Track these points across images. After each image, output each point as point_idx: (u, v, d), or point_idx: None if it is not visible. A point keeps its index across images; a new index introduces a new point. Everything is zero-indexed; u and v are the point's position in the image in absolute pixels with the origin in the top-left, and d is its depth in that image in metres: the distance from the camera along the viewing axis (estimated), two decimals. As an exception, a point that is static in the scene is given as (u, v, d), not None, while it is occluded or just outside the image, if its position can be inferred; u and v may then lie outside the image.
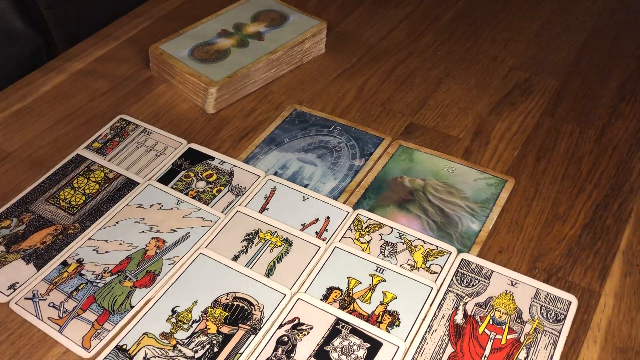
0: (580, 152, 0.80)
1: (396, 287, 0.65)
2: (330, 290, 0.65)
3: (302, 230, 0.71)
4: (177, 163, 0.80)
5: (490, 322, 0.62)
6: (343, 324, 0.61)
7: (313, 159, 0.80)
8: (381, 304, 0.63)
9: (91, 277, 0.67)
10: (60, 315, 0.64)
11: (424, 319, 0.62)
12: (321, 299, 0.64)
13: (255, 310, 0.63)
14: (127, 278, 0.67)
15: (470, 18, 1.05)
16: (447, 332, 0.61)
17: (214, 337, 0.61)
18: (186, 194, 0.76)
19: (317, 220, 0.72)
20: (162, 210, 0.74)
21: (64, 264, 0.69)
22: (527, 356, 0.59)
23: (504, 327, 0.61)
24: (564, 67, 0.94)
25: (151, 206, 0.74)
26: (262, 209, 0.74)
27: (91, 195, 0.76)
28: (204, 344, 0.61)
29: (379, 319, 0.62)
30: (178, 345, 0.61)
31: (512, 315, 0.62)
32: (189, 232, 0.71)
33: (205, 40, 0.94)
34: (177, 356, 0.60)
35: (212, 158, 0.80)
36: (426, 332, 0.61)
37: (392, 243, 0.69)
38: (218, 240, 0.70)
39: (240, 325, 0.62)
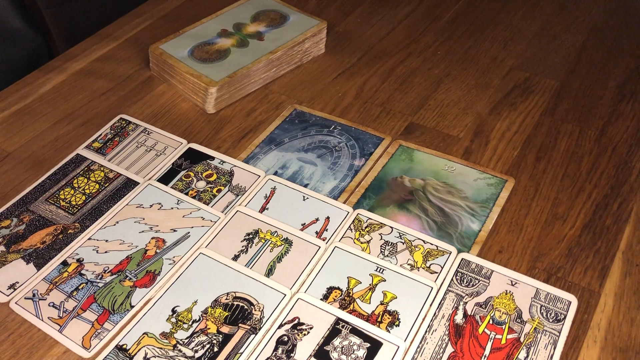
0: (580, 152, 0.80)
1: (396, 287, 0.65)
2: (330, 290, 0.65)
3: (302, 230, 0.71)
4: (177, 163, 0.80)
5: (490, 322, 0.62)
6: (343, 323, 0.61)
7: (313, 158, 0.80)
8: (381, 303, 0.63)
9: (91, 277, 0.67)
10: (60, 315, 0.64)
11: (424, 319, 0.62)
12: (321, 299, 0.64)
13: (255, 310, 0.63)
14: (127, 278, 0.67)
15: (470, 18, 1.06)
16: (447, 332, 0.61)
17: (214, 337, 0.61)
18: (186, 194, 0.76)
19: (317, 220, 0.72)
20: (162, 210, 0.74)
21: (64, 263, 0.69)
22: (527, 356, 0.59)
23: (504, 326, 0.61)
24: (564, 67, 0.94)
25: (151, 206, 0.74)
26: (262, 209, 0.74)
27: (91, 195, 0.76)
28: (204, 343, 0.61)
29: (379, 319, 0.62)
30: (178, 345, 0.61)
31: (512, 315, 0.62)
32: (189, 232, 0.71)
33: (205, 40, 0.94)
34: (177, 356, 0.60)
35: (212, 158, 0.80)
36: (426, 331, 0.61)
37: (392, 243, 0.69)
38: (218, 240, 0.70)
39: (240, 325, 0.62)
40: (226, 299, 0.64)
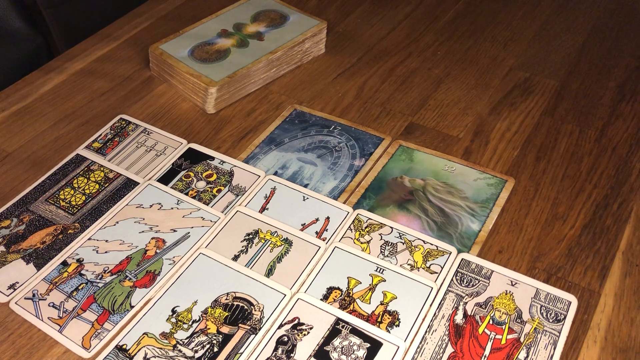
0: (580, 152, 0.80)
1: (396, 287, 0.65)
2: (330, 290, 0.65)
3: (302, 230, 0.71)
4: (177, 163, 0.80)
5: (490, 322, 0.62)
6: (343, 323, 0.61)
7: (313, 159, 0.80)
8: (381, 303, 0.63)
9: (91, 277, 0.67)
10: (60, 315, 0.64)
11: (424, 319, 0.62)
12: (321, 299, 0.64)
13: (255, 310, 0.63)
14: (127, 278, 0.67)
15: (470, 18, 1.05)
16: (447, 332, 0.61)
17: (214, 337, 0.61)
18: (186, 194, 0.76)
19: (317, 220, 0.72)
20: (162, 210, 0.74)
21: (64, 264, 0.69)
22: (527, 356, 0.59)
23: (504, 327, 0.61)
24: (564, 67, 0.94)
25: (151, 206, 0.74)
26: (262, 209, 0.74)
27: (91, 195, 0.76)
28: (204, 343, 0.61)
29: (379, 319, 0.62)
30: (178, 345, 0.61)
31: (512, 315, 0.62)
32: (189, 232, 0.71)
33: (205, 40, 0.94)
34: (177, 356, 0.60)
35: (212, 158, 0.80)
36: (426, 332, 0.61)
37: (392, 243, 0.69)
38: (218, 240, 0.70)
39: (240, 325, 0.62)
40: (226, 299, 0.64)
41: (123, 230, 0.72)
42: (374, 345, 0.60)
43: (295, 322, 0.62)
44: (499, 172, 0.77)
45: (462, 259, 0.67)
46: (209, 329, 0.62)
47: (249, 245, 0.70)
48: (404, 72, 0.94)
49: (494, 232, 0.71)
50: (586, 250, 0.69)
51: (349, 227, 0.71)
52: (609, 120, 0.85)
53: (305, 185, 0.77)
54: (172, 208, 0.74)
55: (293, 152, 0.81)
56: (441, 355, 0.59)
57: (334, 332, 0.61)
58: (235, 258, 0.68)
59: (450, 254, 0.68)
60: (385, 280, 0.65)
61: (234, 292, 0.65)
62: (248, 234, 0.71)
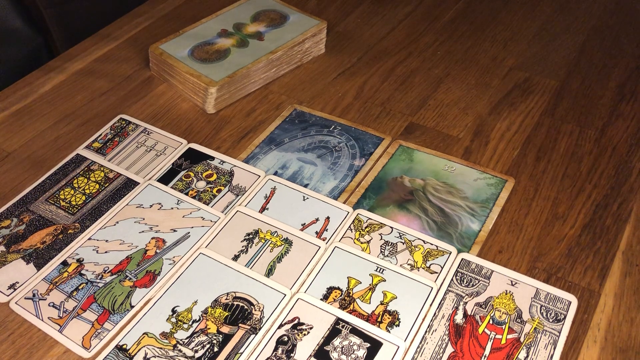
0: (580, 152, 0.80)
1: (396, 287, 0.65)
2: (330, 290, 0.65)
3: (302, 230, 0.71)
4: (177, 163, 0.80)
5: (490, 322, 0.62)
6: (343, 323, 0.61)
7: (313, 159, 0.80)
8: (381, 303, 0.63)
9: (91, 277, 0.67)
10: (60, 315, 0.64)
11: (424, 319, 0.62)
12: (321, 299, 0.64)
13: (255, 310, 0.63)
14: (127, 278, 0.67)
15: (470, 18, 1.06)
16: (447, 332, 0.61)
17: (214, 337, 0.61)
18: (186, 194, 0.76)
19: (317, 220, 0.72)
20: (162, 210, 0.74)
21: (64, 263, 0.69)
22: (527, 356, 0.59)
23: (504, 326, 0.61)
24: (564, 67, 0.94)
25: (151, 206, 0.74)
26: (262, 209, 0.74)
27: (91, 195, 0.76)
28: (204, 343, 0.61)
29: (379, 319, 0.62)
30: (178, 345, 0.61)
31: (512, 315, 0.62)
32: (189, 232, 0.71)
33: (205, 40, 0.94)
34: (177, 356, 0.60)
35: (212, 158, 0.80)
36: (426, 331, 0.61)
37: (392, 243, 0.69)
38: (218, 240, 0.70)
39: (240, 325, 0.62)
40: (226, 299, 0.64)
41: (123, 230, 0.72)
42: (374, 345, 0.60)
43: (295, 322, 0.62)
44: (499, 172, 0.77)
45: (462, 259, 0.67)
46: (209, 328, 0.62)
47: (249, 245, 0.70)
48: (404, 72, 0.94)
49: (494, 232, 0.71)
50: (586, 250, 0.69)
51: (349, 227, 0.71)
52: (609, 120, 0.85)
53: (305, 185, 0.77)
54: (172, 208, 0.74)
55: (293, 152, 0.81)
56: (441, 355, 0.59)
57: (334, 332, 0.61)
58: (235, 258, 0.68)
59: (450, 253, 0.68)
60: (385, 280, 0.65)
61: (234, 292, 0.65)
62: (248, 234, 0.71)
